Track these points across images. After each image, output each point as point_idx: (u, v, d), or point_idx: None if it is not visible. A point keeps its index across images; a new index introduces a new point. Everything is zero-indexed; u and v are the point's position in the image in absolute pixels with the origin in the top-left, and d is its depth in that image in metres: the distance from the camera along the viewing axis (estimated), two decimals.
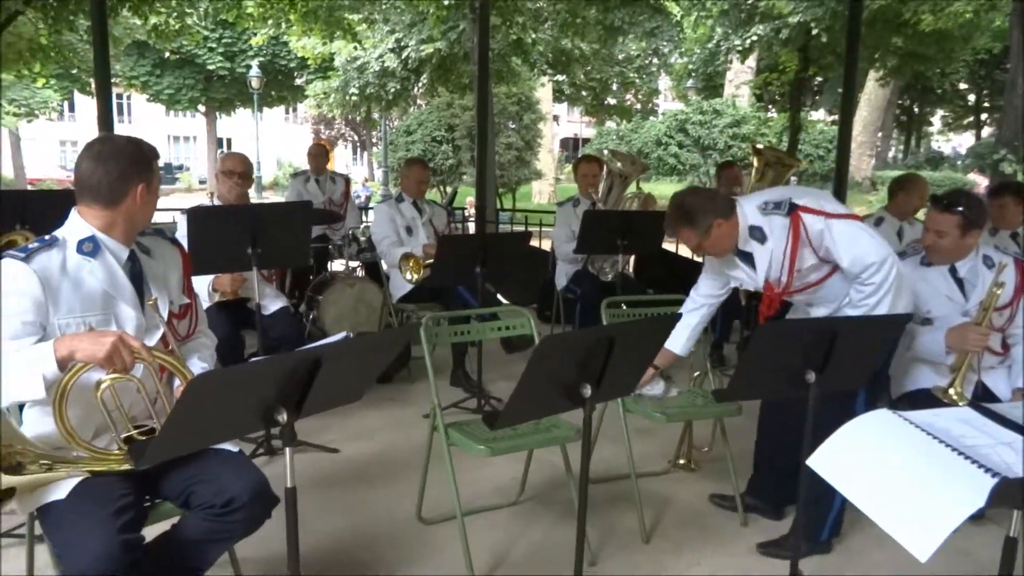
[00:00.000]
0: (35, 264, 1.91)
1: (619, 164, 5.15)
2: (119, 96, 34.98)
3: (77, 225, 2.03)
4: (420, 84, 15.66)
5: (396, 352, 1.84)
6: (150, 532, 2.06)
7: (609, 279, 5.24)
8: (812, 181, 21.94)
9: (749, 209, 2.77)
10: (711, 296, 3.04)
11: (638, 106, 31.01)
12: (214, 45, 25.82)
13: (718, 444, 3.56)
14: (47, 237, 2.00)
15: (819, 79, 21.23)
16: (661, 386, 3.07)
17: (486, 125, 7.42)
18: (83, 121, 34.88)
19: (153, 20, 10.41)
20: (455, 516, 2.72)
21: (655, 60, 22.69)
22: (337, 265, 6.34)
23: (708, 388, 3.41)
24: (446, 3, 11.04)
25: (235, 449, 2.16)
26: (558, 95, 29.10)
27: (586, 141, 35.61)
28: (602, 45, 14.35)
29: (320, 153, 6.70)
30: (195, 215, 3.45)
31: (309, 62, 16.87)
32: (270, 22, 10.83)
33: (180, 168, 34.74)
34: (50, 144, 34.65)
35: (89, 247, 2.00)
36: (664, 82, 31.11)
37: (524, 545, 2.91)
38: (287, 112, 36.37)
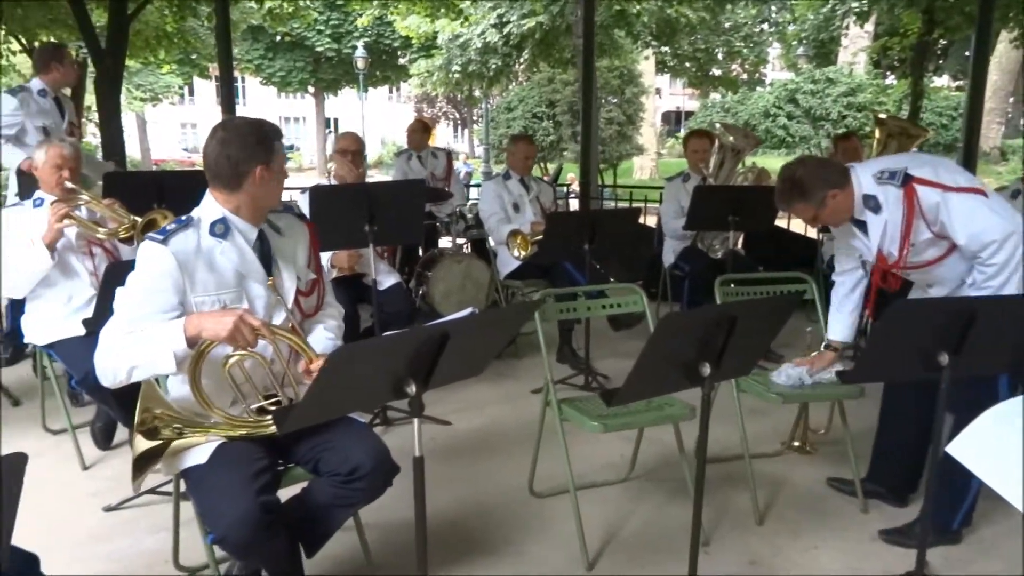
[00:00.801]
0: (172, 246, 2.04)
1: (731, 138, 5.00)
2: (235, 79, 36.68)
3: (210, 207, 2.15)
4: (521, 60, 15.64)
5: (519, 328, 1.87)
6: (282, 495, 2.20)
7: (719, 256, 5.13)
8: (935, 151, 20.68)
9: (864, 177, 2.65)
10: (855, 271, 2.92)
11: (744, 76, 29.95)
12: (322, 27, 26.56)
13: (835, 427, 3.45)
14: (183, 218, 2.13)
15: (943, 42, 19.93)
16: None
17: (591, 100, 7.35)
18: (201, 104, 36.70)
19: (268, 4, 10.80)
20: (567, 490, 2.76)
21: (764, 27, 21.75)
22: (444, 242, 6.46)
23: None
24: None
25: (356, 417, 2.26)
26: (660, 67, 28.42)
27: (689, 115, 34.72)
28: (710, 14, 13.92)
29: (419, 129, 6.79)
30: (316, 193, 3.59)
31: (413, 41, 17.14)
32: (375, 2, 11.05)
33: (291, 148, 36.03)
34: (172, 127, 36.64)
35: (220, 229, 2.11)
36: (773, 50, 29.90)
37: (635, 522, 2.92)
38: (390, 91, 37.06)
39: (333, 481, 2.15)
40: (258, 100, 36.62)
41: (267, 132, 2.13)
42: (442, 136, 37.15)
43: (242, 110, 37.71)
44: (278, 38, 26.33)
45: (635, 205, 7.55)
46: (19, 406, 4.05)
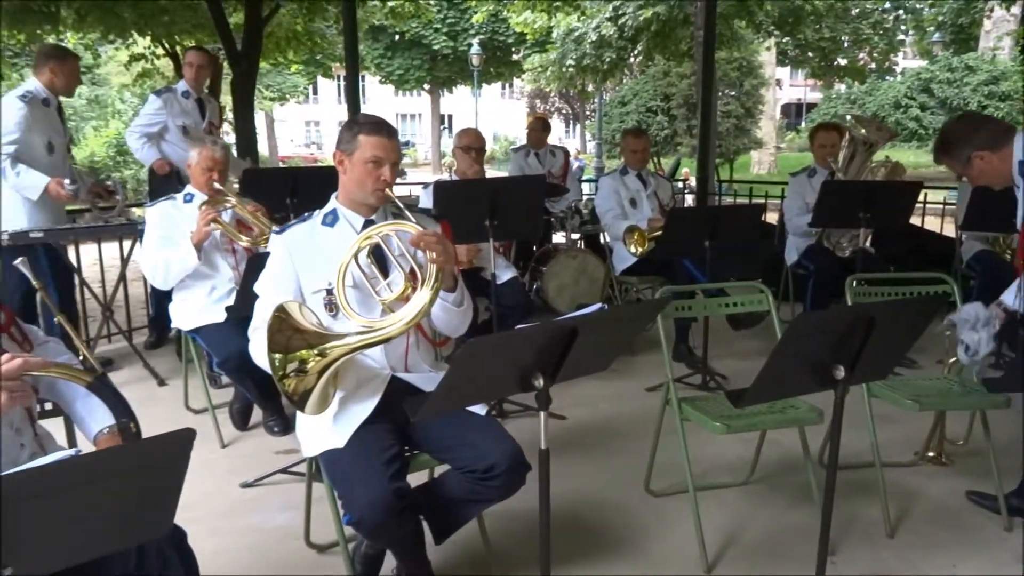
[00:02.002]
0: (286, 236, 2.28)
1: (863, 130, 4.76)
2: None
3: (331, 201, 2.35)
4: (636, 52, 15.43)
5: (646, 324, 1.86)
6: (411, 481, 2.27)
7: (846, 255, 4.91)
8: None
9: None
10: None
11: (872, 65, 28.43)
12: (439, 25, 27.15)
13: (975, 438, 3.25)
14: (306, 214, 2.37)
15: None
16: None
17: (710, 92, 7.17)
18: (325, 102, 38.27)
19: (391, 3, 11.12)
20: (684, 490, 2.72)
21: (897, 14, 20.52)
22: (559, 237, 6.48)
23: (969, 375, 3.09)
24: None
25: (483, 412, 2.31)
26: (781, 58, 27.41)
27: (811, 107, 33.30)
28: (839, 1, 13.27)
29: (539, 127, 6.84)
30: (439, 188, 3.68)
31: (528, 37, 17.21)
32: None
33: (407, 144, 37.01)
34: (297, 124, 38.38)
35: (330, 219, 2.31)
36: (905, 38, 28.23)
37: (756, 527, 2.84)
38: (503, 88, 37.44)
39: (469, 477, 2.19)
40: (377, 98, 37.82)
41: (353, 124, 2.27)
42: (554, 131, 37.16)
43: (363, 108, 39.04)
44: (397, 37, 27.12)
45: (755, 201, 7.34)
46: (164, 386, 4.36)
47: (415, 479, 2.33)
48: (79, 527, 1.12)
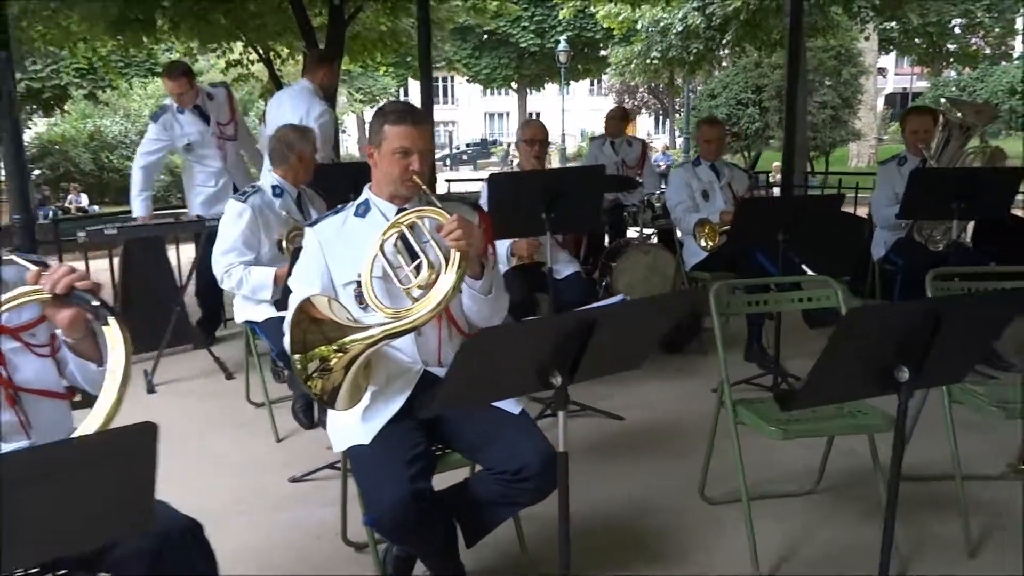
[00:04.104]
0: (318, 229, 2.26)
1: (960, 114, 4.40)
2: (444, 79, 38.48)
3: (365, 191, 2.31)
4: (725, 43, 14.94)
5: (676, 318, 1.72)
6: (442, 480, 2.19)
7: (939, 249, 4.55)
8: None
9: None
10: None
11: (987, 50, 26.64)
12: (526, 24, 27.16)
13: None
14: (340, 206, 2.33)
15: None
16: None
17: (796, 83, 6.82)
18: (416, 104, 38.97)
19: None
20: (739, 498, 2.54)
21: None
22: (633, 232, 6.31)
23: None
24: None
25: (517, 410, 2.20)
26: (885, 45, 26.08)
27: (916, 96, 31.56)
28: None
29: (617, 116, 6.68)
30: (494, 181, 3.60)
31: (615, 32, 16.93)
32: None
33: (495, 143, 37.22)
34: None
35: (362, 209, 2.27)
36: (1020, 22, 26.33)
37: (819, 541, 2.63)
38: (592, 85, 37.13)
39: (498, 479, 2.10)
40: (466, 98, 38.24)
41: (380, 115, 2.21)
42: (643, 127, 36.65)
43: (451, 108, 39.62)
44: (484, 36, 27.28)
45: (845, 193, 6.96)
46: (232, 380, 4.45)
47: (450, 478, 2.26)
48: (41, 522, 1.09)
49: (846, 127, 16.98)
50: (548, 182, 3.58)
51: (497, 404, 2.16)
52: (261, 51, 12.86)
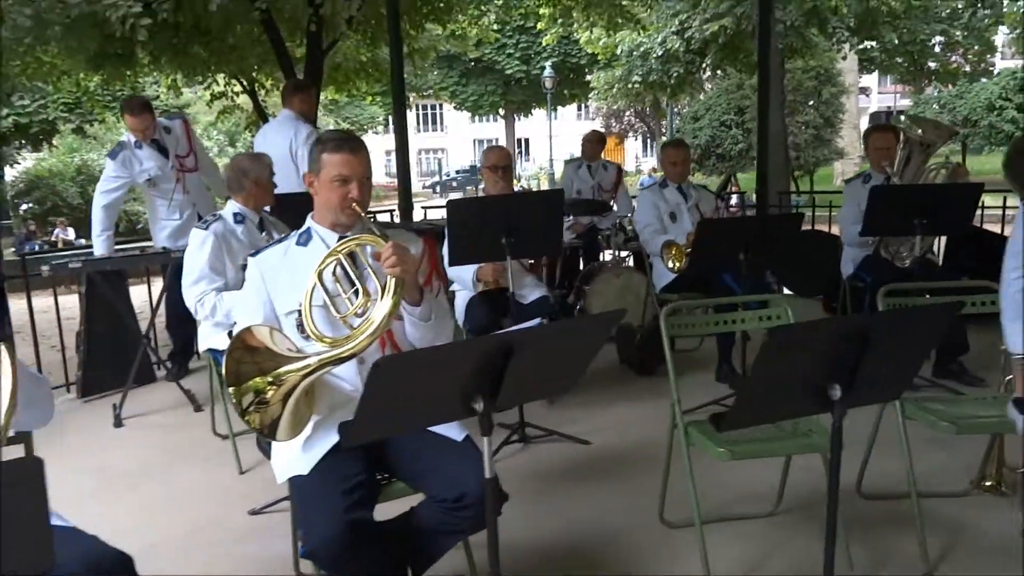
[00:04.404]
0: (259, 259, 2.26)
1: (919, 131, 4.44)
2: (432, 107, 38.79)
3: (307, 220, 2.31)
4: (705, 66, 15.10)
5: (601, 340, 1.71)
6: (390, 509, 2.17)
7: (906, 265, 4.56)
8: None
9: None
10: None
11: (967, 68, 26.96)
12: (512, 51, 27.43)
13: None
14: (282, 236, 2.35)
15: None
16: None
17: (766, 105, 6.89)
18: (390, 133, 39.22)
19: (452, 27, 11.22)
20: (702, 521, 2.52)
21: (974, 10, 19.14)
22: (608, 254, 6.32)
23: None
24: None
25: (460, 437, 2.18)
26: (867, 64, 26.36)
27: (901, 114, 31.89)
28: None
29: (594, 139, 6.73)
30: (453, 207, 3.60)
31: (599, 56, 17.09)
32: (555, 17, 11.11)
33: None
34: (378, 155, 39.34)
35: (304, 238, 2.27)
36: (1002, 37, 26.69)
37: (777, 562, 2.61)
38: (579, 109, 37.43)
39: (440, 507, 2.08)
40: (454, 124, 38.48)
41: (318, 143, 2.22)
42: (631, 150, 36.90)
43: (440, 135, 39.85)
44: (471, 64, 27.51)
45: (820, 211, 6.99)
46: (200, 411, 4.42)
47: (396, 507, 2.24)
48: None
49: (829, 146, 17.14)
50: (507, 207, 3.59)
51: (439, 431, 2.15)
52: (245, 83, 12.96)
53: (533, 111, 30.70)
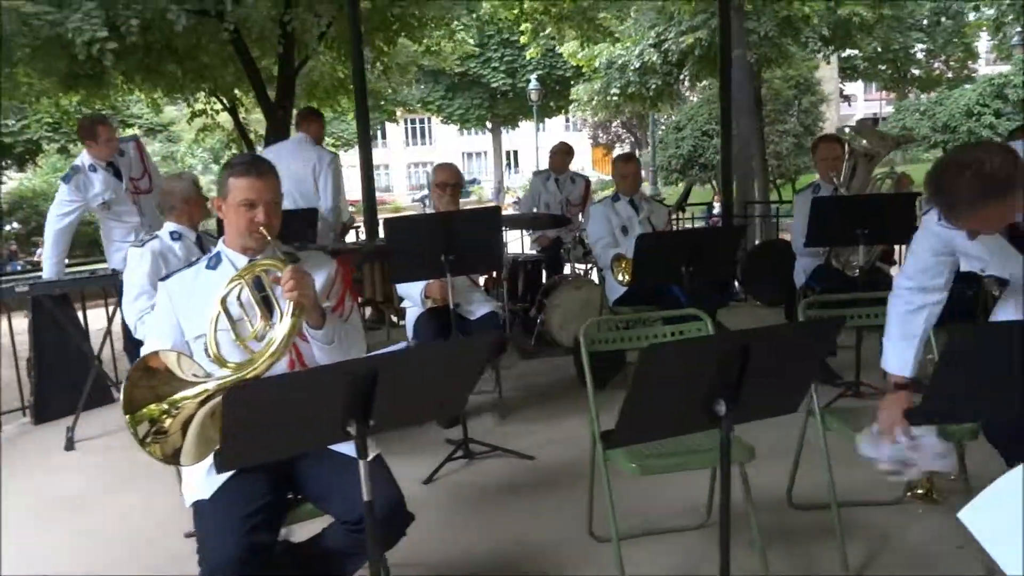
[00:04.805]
0: (168, 283, 2.28)
1: (863, 141, 4.48)
2: (421, 120, 38.89)
3: (218, 244, 2.32)
4: (683, 77, 15.21)
5: (482, 362, 1.72)
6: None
7: (856, 275, 4.60)
8: None
9: None
10: (937, 290, 2.38)
11: (950, 74, 27.16)
12: (497, 64, 27.60)
13: (983, 470, 2.92)
14: (193, 259, 2.37)
15: None
16: (932, 446, 2.15)
17: (728, 116, 6.97)
18: (393, 146, 39.26)
19: (426, 41, 11.28)
20: (631, 535, 2.55)
21: (948, 21, 19.20)
22: (578, 267, 6.35)
23: None
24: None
25: (368, 456, 2.19)
26: (850, 72, 26.57)
27: (886, 120, 32.09)
28: (892, 8, 12.73)
29: (561, 151, 6.73)
30: (389, 225, 3.62)
31: (583, 69, 17.18)
32: (542, 34, 11.16)
33: (474, 182, 37.48)
34: None
35: (214, 261, 2.28)
36: (984, 44, 26.91)
37: (703, 574, 2.62)
38: (567, 120, 37.57)
39: (344, 528, 2.10)
40: (443, 138, 38.57)
41: (226, 167, 2.24)
42: None
43: (428, 149, 39.94)
44: (457, 78, 27.65)
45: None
46: None
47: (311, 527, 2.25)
48: None
49: (809, 154, 17.21)
50: (445, 224, 3.61)
51: (344, 450, 2.15)
52: (225, 101, 13.00)
53: (520, 123, 30.82)
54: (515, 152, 37.83)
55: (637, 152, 36.89)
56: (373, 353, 1.58)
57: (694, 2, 10.71)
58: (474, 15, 11.51)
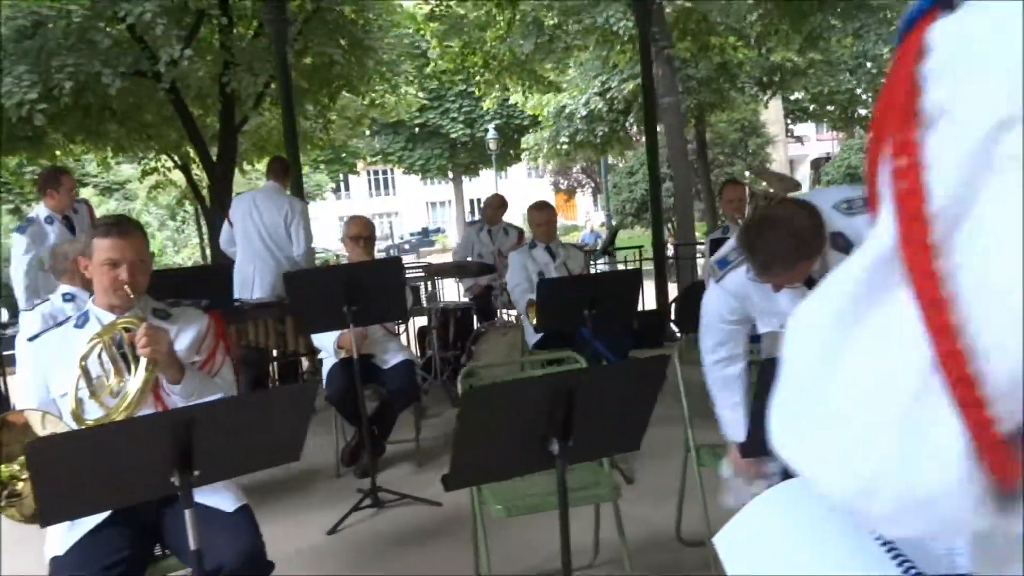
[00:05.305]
0: (35, 343, 2.30)
1: (763, 184, 4.65)
2: (384, 171, 39.21)
3: (88, 303, 2.36)
4: (629, 123, 15.59)
5: (304, 411, 1.77)
6: None
7: None
8: None
9: (827, 211, 2.14)
10: (740, 357, 2.44)
11: None
12: (455, 115, 28.02)
13: None
14: (62, 319, 2.44)
15: None
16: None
17: (655, 160, 7.18)
18: (356, 197, 39.45)
19: (372, 95, 11.49)
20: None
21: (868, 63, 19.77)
22: (509, 314, 6.43)
23: None
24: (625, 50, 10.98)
25: (232, 507, 2.21)
26: (799, 114, 27.31)
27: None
28: (820, 54, 13.26)
29: (495, 203, 6.88)
30: (290, 279, 3.68)
31: (539, 118, 17.54)
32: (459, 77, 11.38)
33: (437, 231, 37.72)
34: (331, 220, 39.52)
35: (81, 320, 2.30)
36: None
37: None
38: (528, 168, 38.08)
39: None
40: (406, 188, 38.86)
41: (92, 228, 2.35)
42: (582, 206, 37.50)
43: (392, 199, 40.25)
44: (416, 129, 28.02)
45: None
46: None
47: None
48: None
49: None
50: (346, 276, 3.68)
51: (208, 502, 2.17)
52: (176, 158, 13.05)
53: (480, 172, 31.19)
54: (478, 200, 38.11)
55: (597, 197, 37.44)
56: (190, 403, 1.63)
57: (628, 53, 11.05)
58: (421, 69, 11.74)
